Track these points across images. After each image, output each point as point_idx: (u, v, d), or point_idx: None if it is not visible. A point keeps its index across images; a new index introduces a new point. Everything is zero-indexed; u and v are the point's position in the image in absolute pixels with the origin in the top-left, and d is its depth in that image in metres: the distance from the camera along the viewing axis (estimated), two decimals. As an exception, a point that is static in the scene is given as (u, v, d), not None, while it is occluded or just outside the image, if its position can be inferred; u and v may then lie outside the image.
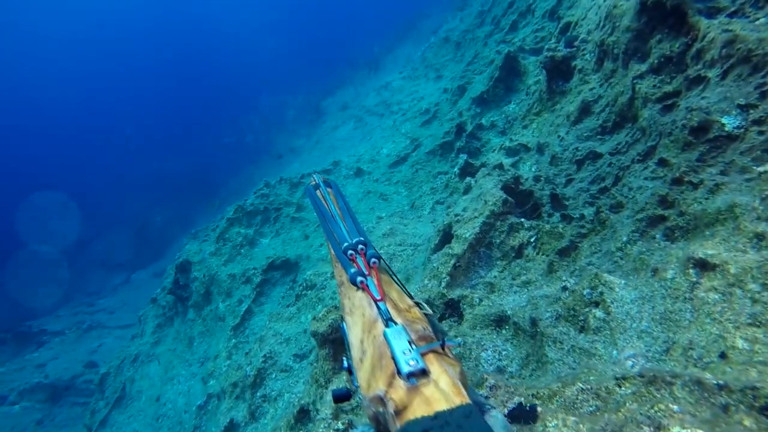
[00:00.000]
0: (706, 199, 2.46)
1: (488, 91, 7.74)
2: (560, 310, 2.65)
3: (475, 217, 3.73)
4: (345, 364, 1.28)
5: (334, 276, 1.56)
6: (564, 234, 3.36)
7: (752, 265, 1.92)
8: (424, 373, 0.86)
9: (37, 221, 23.88)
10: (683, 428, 1.41)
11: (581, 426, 1.60)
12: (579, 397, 1.79)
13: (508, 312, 2.92)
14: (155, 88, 42.32)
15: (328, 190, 1.85)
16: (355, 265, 1.34)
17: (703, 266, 2.13)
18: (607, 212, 3.21)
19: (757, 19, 2.88)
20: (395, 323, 1.04)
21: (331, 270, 6.08)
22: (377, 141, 11.50)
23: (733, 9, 3.14)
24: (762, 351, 1.66)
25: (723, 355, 1.77)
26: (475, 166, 6.55)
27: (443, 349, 0.96)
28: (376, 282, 1.23)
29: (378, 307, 1.13)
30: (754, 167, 2.38)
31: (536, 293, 2.97)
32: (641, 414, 1.51)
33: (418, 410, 0.80)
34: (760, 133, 2.45)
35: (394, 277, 1.35)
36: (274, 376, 5.05)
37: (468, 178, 5.40)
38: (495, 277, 3.45)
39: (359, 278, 1.26)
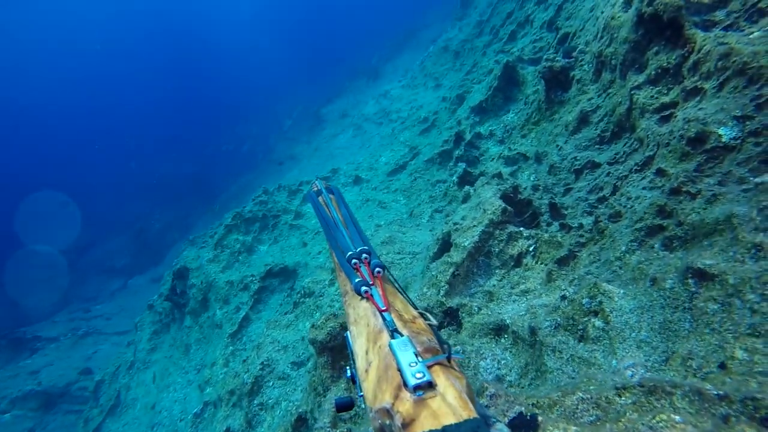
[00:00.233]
0: (704, 209, 2.48)
1: (487, 100, 7.80)
2: (559, 319, 2.65)
3: (474, 225, 3.74)
4: (348, 373, 1.28)
5: (338, 285, 1.56)
6: (563, 243, 3.37)
7: (751, 275, 1.93)
8: (430, 385, 0.86)
9: (37, 222, 23.79)
10: (685, 438, 1.41)
11: (582, 436, 1.59)
12: (579, 407, 1.79)
13: (507, 321, 2.92)
14: (155, 92, 42.48)
15: (331, 196, 1.84)
16: (359, 274, 1.33)
17: (702, 276, 2.14)
18: (605, 222, 3.22)
19: (752, 32, 2.93)
20: (401, 334, 1.04)
21: (329, 277, 6.07)
22: (376, 149, 11.55)
23: (728, 23, 3.19)
24: (762, 361, 1.67)
25: (722, 366, 1.77)
26: (473, 174, 6.58)
27: (449, 361, 0.96)
28: (380, 292, 1.22)
29: (383, 318, 1.12)
30: (751, 178, 2.40)
31: (535, 302, 2.97)
32: (643, 424, 1.51)
33: (425, 423, 0.79)
34: (757, 144, 2.48)
35: (398, 287, 1.35)
36: (271, 383, 5.02)
37: (467, 187, 5.42)
38: (494, 285, 3.46)
39: (363, 288, 1.26)
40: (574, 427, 1.64)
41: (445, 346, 1.00)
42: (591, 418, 1.71)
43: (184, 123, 34.00)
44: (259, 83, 33.68)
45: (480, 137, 7.51)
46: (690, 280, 2.19)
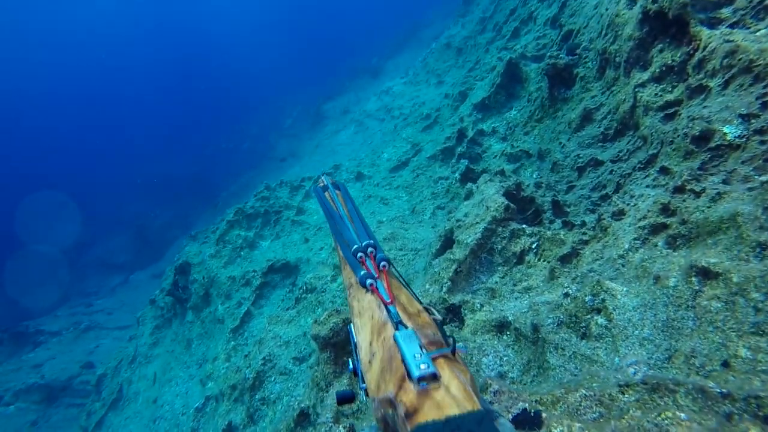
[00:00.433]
0: (708, 207, 2.48)
1: (490, 97, 7.78)
2: (562, 317, 2.65)
3: (477, 222, 3.74)
4: (351, 365, 1.28)
5: (343, 278, 1.56)
6: (565, 241, 3.37)
7: (755, 274, 1.93)
8: (434, 377, 0.86)
9: (37, 221, 23.83)
10: (690, 436, 1.41)
11: (586, 432, 1.60)
12: (582, 404, 1.80)
13: (510, 318, 2.92)
14: (156, 89, 42.47)
15: (337, 192, 1.85)
16: (364, 267, 1.34)
17: (706, 274, 2.14)
18: (608, 219, 3.22)
19: (758, 30, 2.91)
20: (405, 326, 1.04)
21: (331, 274, 6.08)
22: (378, 145, 11.54)
23: (734, 20, 3.17)
24: (765, 360, 1.67)
25: (726, 364, 1.77)
26: (476, 171, 6.58)
27: (453, 354, 0.96)
28: (385, 285, 1.23)
29: (388, 310, 1.12)
30: (756, 176, 2.39)
31: (537, 299, 2.98)
32: (648, 421, 1.51)
33: (429, 414, 0.79)
34: (762, 142, 2.47)
35: (403, 282, 1.35)
36: (273, 378, 5.04)
37: (469, 184, 5.42)
38: (496, 282, 3.46)
39: (368, 281, 1.26)
40: (578, 424, 1.65)
41: (450, 339, 1.00)
42: (594, 415, 1.72)
43: (185, 122, 34.02)
44: (260, 81, 33.66)
45: (482, 134, 7.49)
46: (694, 279, 2.19)
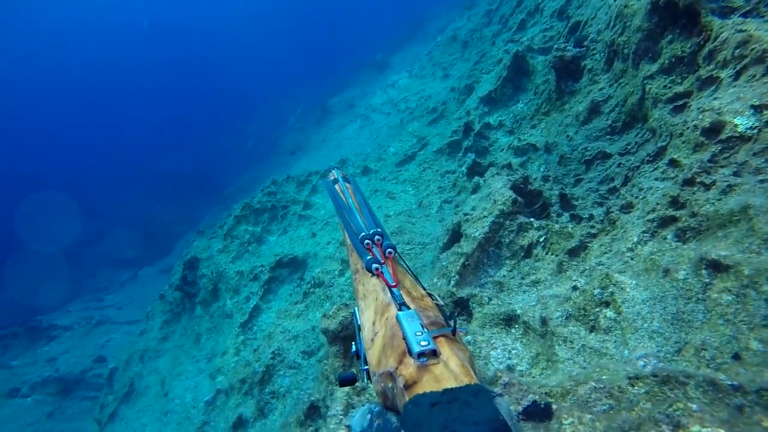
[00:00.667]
0: (719, 200, 2.46)
1: (496, 90, 7.73)
2: (570, 310, 2.66)
3: (485, 216, 3.74)
4: (353, 348, 1.31)
5: (349, 264, 1.59)
6: (573, 234, 3.36)
7: (766, 266, 1.92)
8: (434, 354, 0.88)
9: (37, 221, 24.03)
10: (703, 427, 1.42)
11: (597, 424, 1.61)
12: (592, 396, 1.81)
13: (518, 311, 2.93)
14: (162, 85, 42.64)
15: (347, 185, 1.89)
16: (371, 253, 1.37)
17: (716, 267, 2.13)
18: (617, 212, 3.21)
19: (772, 19, 2.87)
20: (408, 308, 1.07)
21: (339, 268, 6.12)
22: (384, 139, 11.52)
23: (747, 8, 3.12)
24: (776, 352, 1.67)
25: (736, 356, 1.77)
26: (483, 165, 6.55)
27: (454, 335, 0.98)
28: (390, 269, 1.26)
29: (392, 293, 1.15)
30: (768, 168, 2.37)
31: (546, 293, 2.98)
32: (659, 413, 1.52)
33: (427, 386, 0.82)
34: (774, 134, 2.45)
35: (408, 269, 1.39)
36: (282, 372, 5.10)
37: (476, 178, 5.41)
38: (504, 276, 3.47)
39: (374, 265, 1.29)
40: (588, 416, 1.66)
41: (451, 321, 1.02)
42: (604, 407, 1.73)
43: (191, 119, 34.15)
44: (266, 76, 33.63)
45: (489, 128, 7.46)
46: (704, 271, 2.19)
